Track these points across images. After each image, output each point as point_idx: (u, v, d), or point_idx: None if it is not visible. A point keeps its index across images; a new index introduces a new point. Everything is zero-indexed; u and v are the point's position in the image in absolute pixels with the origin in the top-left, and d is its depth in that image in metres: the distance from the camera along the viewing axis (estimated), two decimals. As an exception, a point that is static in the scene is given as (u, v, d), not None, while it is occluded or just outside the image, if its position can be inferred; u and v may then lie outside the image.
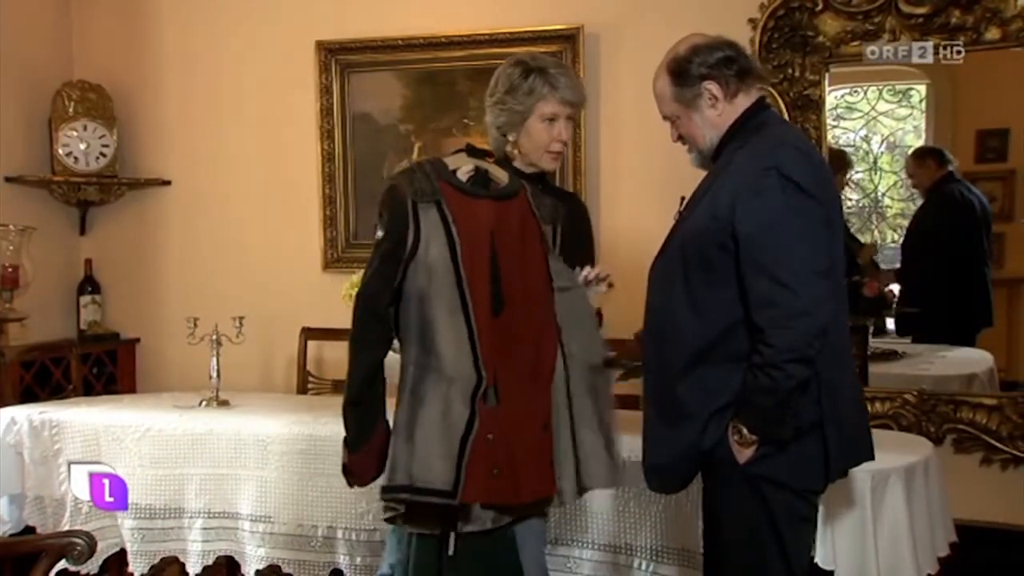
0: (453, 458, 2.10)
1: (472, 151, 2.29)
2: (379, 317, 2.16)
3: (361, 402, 2.18)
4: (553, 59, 2.52)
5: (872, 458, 2.16)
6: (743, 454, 1.99)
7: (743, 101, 2.12)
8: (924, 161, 3.72)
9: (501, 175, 2.27)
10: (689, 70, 2.10)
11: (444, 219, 2.14)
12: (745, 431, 1.97)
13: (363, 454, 2.19)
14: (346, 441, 2.22)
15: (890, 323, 3.83)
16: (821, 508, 2.35)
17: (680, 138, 2.20)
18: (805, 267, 1.92)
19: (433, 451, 2.11)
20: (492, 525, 2.21)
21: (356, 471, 2.23)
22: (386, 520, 2.23)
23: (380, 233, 2.20)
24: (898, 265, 3.87)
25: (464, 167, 2.24)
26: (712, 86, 2.09)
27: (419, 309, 2.14)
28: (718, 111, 2.11)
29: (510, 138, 2.51)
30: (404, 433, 2.14)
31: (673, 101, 2.14)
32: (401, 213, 2.14)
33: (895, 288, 3.81)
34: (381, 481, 2.17)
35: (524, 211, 2.25)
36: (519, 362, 2.18)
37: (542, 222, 2.27)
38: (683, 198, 2.22)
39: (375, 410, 2.19)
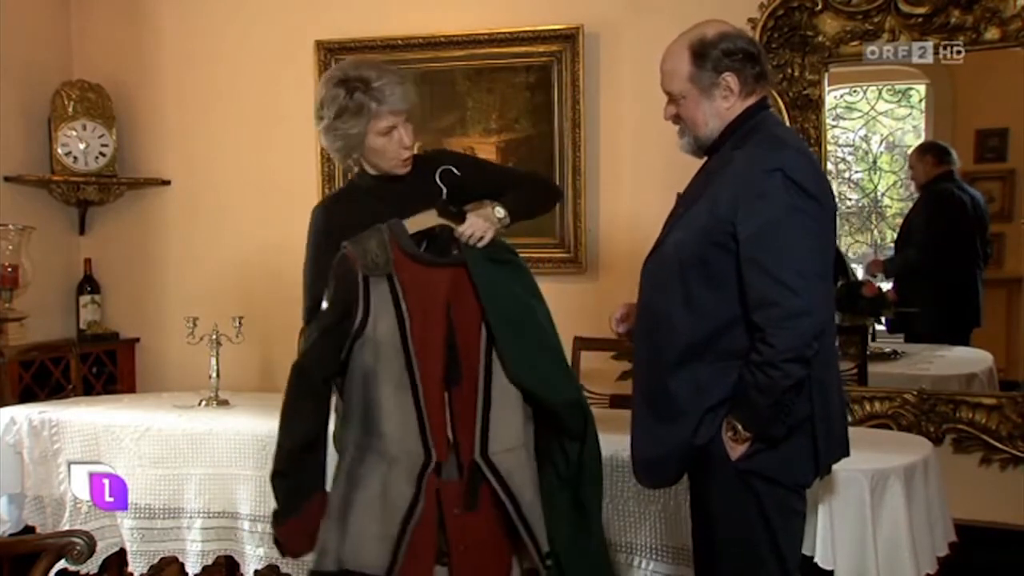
0: (392, 539, 2.06)
1: (443, 211, 2.21)
2: (314, 391, 2.12)
3: (288, 474, 2.13)
4: (373, 64, 2.34)
5: (848, 454, 2.17)
6: (736, 450, 2.00)
7: (750, 101, 2.11)
8: (924, 156, 3.72)
9: None
10: (714, 56, 2.06)
11: (394, 293, 2.09)
12: (740, 428, 1.98)
13: (291, 526, 2.14)
14: (275, 513, 2.16)
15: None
16: (820, 507, 2.36)
17: (676, 118, 2.16)
18: (806, 268, 1.93)
19: (368, 533, 2.06)
20: None
21: (285, 543, 2.17)
22: None
23: (325, 304, 2.12)
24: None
25: (429, 225, 2.18)
26: (732, 79, 2.07)
27: (363, 388, 2.10)
28: (728, 104, 2.09)
29: (354, 156, 2.38)
30: (336, 516, 2.09)
31: (687, 81, 2.09)
32: (350, 287, 2.09)
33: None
34: (309, 564, 2.13)
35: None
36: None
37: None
38: (679, 194, 2.21)
39: (306, 483, 2.13)
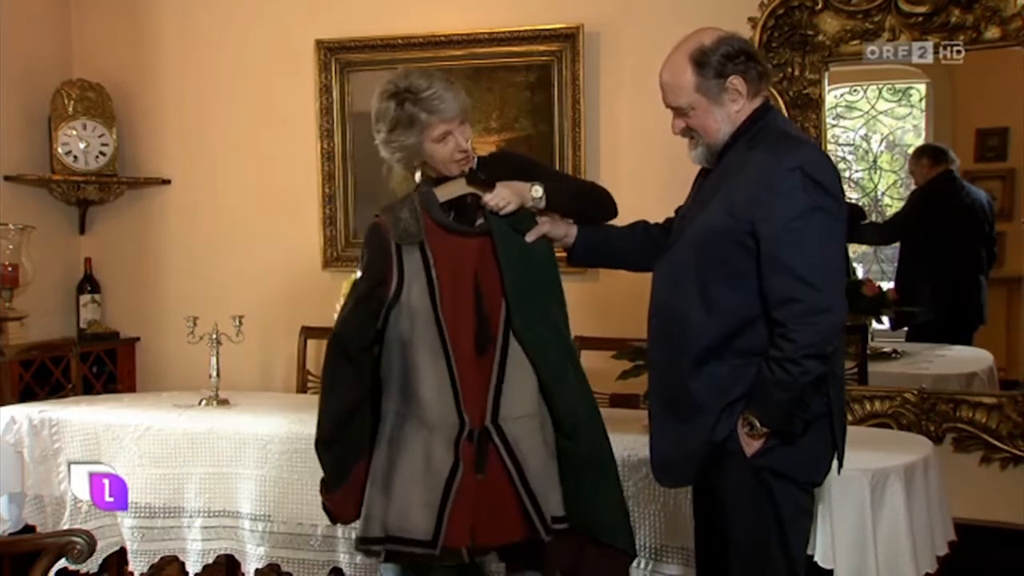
0: (435, 507, 2.10)
1: (472, 178, 2.25)
2: (352, 360, 2.14)
3: (334, 442, 2.17)
4: (421, 73, 2.31)
5: None
6: (752, 446, 2.01)
7: (757, 101, 2.11)
8: (919, 160, 3.73)
9: None
10: (716, 62, 2.06)
11: (426, 261, 2.14)
12: (757, 423, 1.99)
13: (342, 493, 2.19)
14: (323, 481, 2.20)
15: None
16: (820, 507, 2.36)
17: (686, 130, 2.15)
18: (828, 265, 1.97)
19: (413, 500, 2.11)
20: (468, 559, 2.20)
21: (336, 511, 2.24)
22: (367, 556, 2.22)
23: (359, 273, 2.16)
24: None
25: (459, 193, 2.21)
26: (738, 81, 2.07)
27: (401, 355, 2.14)
28: (738, 107, 2.09)
29: (415, 164, 2.38)
30: (380, 483, 2.13)
31: (695, 91, 2.09)
32: (383, 255, 2.13)
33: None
34: (356, 530, 2.17)
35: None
36: None
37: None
38: (678, 209, 2.26)
39: (352, 450, 2.17)
